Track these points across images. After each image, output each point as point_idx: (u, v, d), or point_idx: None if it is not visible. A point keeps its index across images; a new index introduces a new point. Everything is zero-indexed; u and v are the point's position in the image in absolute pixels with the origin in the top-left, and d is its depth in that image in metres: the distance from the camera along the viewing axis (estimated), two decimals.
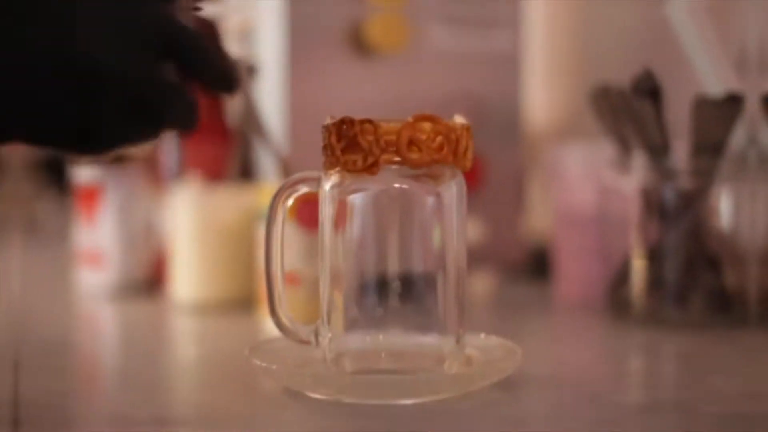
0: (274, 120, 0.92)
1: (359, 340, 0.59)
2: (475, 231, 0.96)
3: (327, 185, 0.58)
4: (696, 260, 0.80)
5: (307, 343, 0.60)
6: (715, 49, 0.90)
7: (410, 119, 0.57)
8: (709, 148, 0.79)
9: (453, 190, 0.59)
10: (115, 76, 0.53)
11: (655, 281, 0.81)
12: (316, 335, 0.59)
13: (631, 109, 0.79)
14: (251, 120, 0.85)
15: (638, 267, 0.82)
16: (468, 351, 0.61)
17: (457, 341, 0.59)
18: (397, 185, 0.58)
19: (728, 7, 0.92)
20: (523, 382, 0.60)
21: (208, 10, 0.62)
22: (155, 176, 0.98)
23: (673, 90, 0.81)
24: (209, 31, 0.65)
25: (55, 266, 1.15)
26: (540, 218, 1.11)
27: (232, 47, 0.94)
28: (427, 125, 0.57)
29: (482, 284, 0.95)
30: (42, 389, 0.61)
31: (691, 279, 0.79)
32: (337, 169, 0.58)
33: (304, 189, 0.59)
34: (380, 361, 0.59)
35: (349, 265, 0.59)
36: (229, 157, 0.94)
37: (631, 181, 0.82)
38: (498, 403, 0.57)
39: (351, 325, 0.59)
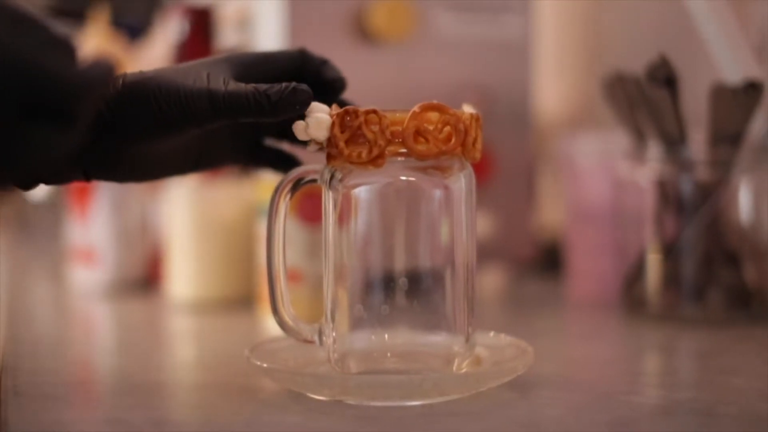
0: None
1: (364, 340, 0.59)
2: (484, 225, 0.96)
3: (330, 178, 0.57)
4: (714, 255, 0.79)
5: (310, 342, 0.59)
6: (734, 35, 0.90)
7: (416, 108, 0.55)
8: (728, 137, 0.78)
9: (462, 182, 0.58)
10: None
11: (671, 277, 0.80)
12: (320, 334, 0.59)
13: (646, 97, 0.79)
14: None
15: (654, 262, 0.81)
16: (477, 350, 0.60)
17: (466, 340, 0.58)
18: (403, 178, 0.57)
19: None
20: (535, 383, 0.60)
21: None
22: None
23: (690, 77, 0.81)
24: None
25: (47, 264, 1.17)
26: (551, 212, 1.12)
27: (231, 36, 0.94)
28: (434, 115, 0.56)
29: (492, 281, 0.95)
30: (34, 392, 0.60)
31: (709, 274, 0.79)
32: (341, 161, 0.57)
33: (306, 183, 0.58)
34: (386, 361, 0.59)
35: (353, 262, 0.58)
36: None
37: (647, 172, 0.82)
38: (509, 405, 0.56)
39: (356, 323, 0.58)
